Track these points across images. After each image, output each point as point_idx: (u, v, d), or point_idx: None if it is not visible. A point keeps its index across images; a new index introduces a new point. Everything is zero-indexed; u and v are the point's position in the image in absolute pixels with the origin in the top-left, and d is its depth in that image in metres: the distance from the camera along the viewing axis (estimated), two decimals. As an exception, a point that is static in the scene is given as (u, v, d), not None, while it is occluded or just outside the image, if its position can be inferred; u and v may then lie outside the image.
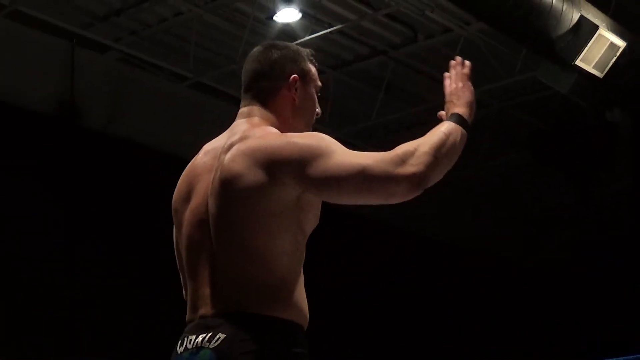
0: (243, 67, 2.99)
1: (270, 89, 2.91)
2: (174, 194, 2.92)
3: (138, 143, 10.46)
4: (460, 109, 3.07)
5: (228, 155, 2.78)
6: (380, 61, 10.93)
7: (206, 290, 2.75)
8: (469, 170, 12.90)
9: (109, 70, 10.32)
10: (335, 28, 10.02)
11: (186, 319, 2.82)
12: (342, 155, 2.70)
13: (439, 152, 2.77)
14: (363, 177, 2.68)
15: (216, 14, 9.85)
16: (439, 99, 11.89)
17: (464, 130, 2.97)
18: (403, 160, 2.70)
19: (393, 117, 11.75)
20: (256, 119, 2.89)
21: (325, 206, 2.85)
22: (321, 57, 10.62)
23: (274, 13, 9.51)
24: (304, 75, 2.95)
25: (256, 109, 2.91)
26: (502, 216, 14.26)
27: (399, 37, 10.61)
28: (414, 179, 2.71)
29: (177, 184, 2.93)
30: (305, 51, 3.02)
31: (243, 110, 2.94)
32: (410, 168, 2.70)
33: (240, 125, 2.89)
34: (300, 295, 2.74)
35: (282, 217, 2.71)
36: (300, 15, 9.51)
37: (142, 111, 10.56)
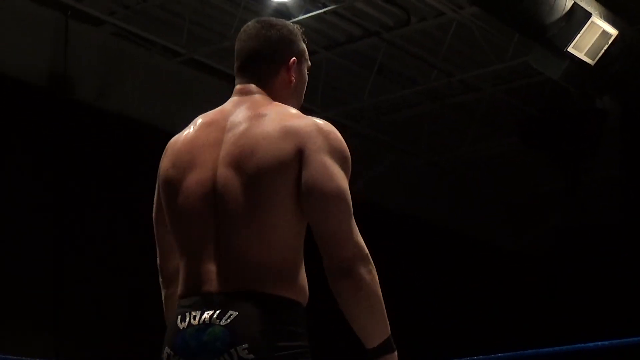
0: (237, 42, 2.94)
1: (269, 71, 2.91)
2: (166, 163, 2.85)
3: (129, 117, 10.47)
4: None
5: (256, 132, 2.75)
6: (372, 43, 10.93)
7: (210, 267, 2.71)
8: (457, 153, 12.95)
9: (102, 44, 10.30)
10: (329, 8, 10.01)
11: (180, 294, 2.78)
12: (344, 180, 2.74)
13: (377, 297, 2.69)
14: (346, 205, 2.70)
15: (211, -10, 9.86)
16: (429, 82, 11.93)
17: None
18: (367, 256, 2.68)
19: (384, 99, 11.76)
20: (258, 97, 2.87)
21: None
22: (314, 37, 10.63)
23: (269, -8, 9.53)
24: (300, 56, 2.95)
25: (254, 87, 2.89)
26: (489, 200, 14.31)
27: (392, 19, 10.60)
28: (360, 253, 2.67)
29: (169, 154, 2.87)
30: (298, 29, 3.00)
31: (241, 87, 2.91)
32: (364, 256, 2.68)
33: (246, 102, 2.86)
34: (303, 275, 2.74)
35: (296, 197, 2.70)
36: (294, -6, 9.53)
37: (134, 85, 10.55)
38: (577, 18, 8.67)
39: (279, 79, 2.91)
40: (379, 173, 12.92)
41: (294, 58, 2.92)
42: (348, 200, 2.69)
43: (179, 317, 2.72)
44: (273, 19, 3.02)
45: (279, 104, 2.86)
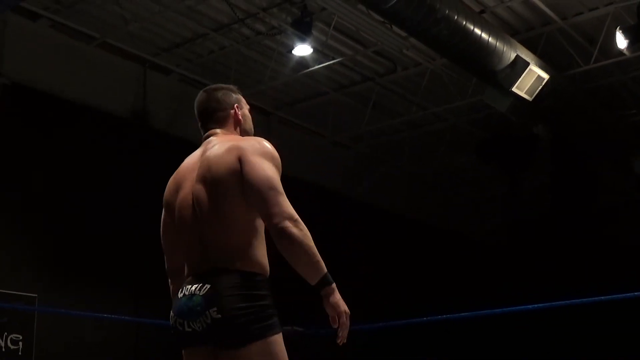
0: (196, 110, 3.17)
1: (224, 116, 3.12)
2: (165, 192, 3.04)
3: (190, 141, 10.33)
4: (333, 291, 2.75)
5: (211, 155, 2.89)
6: (368, 86, 10.87)
7: (196, 254, 2.83)
8: (432, 167, 12.88)
9: (171, 87, 10.27)
10: (336, 60, 9.95)
11: (185, 275, 2.88)
12: (273, 171, 2.79)
13: (308, 246, 2.69)
14: (274, 188, 2.74)
15: (250, 48, 9.79)
16: (410, 114, 11.74)
17: (326, 281, 2.73)
18: (296, 219, 2.70)
19: (377, 127, 11.69)
20: (221, 135, 3.05)
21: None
22: (325, 82, 10.58)
23: (292, 48, 9.44)
24: (239, 102, 3.17)
25: (218, 130, 3.09)
26: (455, 200, 14.22)
27: (383, 69, 10.54)
28: (289, 217, 2.69)
29: (167, 185, 3.05)
30: (234, 87, 3.22)
31: (208, 133, 3.09)
32: (293, 219, 2.70)
33: (213, 140, 3.02)
34: (261, 252, 2.80)
35: (244, 193, 2.78)
36: (311, 50, 9.45)
37: (194, 118, 10.47)
38: (519, 66, 8.60)
39: (231, 119, 3.13)
40: (374, 182, 12.84)
41: (236, 104, 3.15)
42: (275, 184, 2.75)
43: (179, 290, 2.86)
44: (214, 85, 3.26)
45: (233, 135, 3.06)
